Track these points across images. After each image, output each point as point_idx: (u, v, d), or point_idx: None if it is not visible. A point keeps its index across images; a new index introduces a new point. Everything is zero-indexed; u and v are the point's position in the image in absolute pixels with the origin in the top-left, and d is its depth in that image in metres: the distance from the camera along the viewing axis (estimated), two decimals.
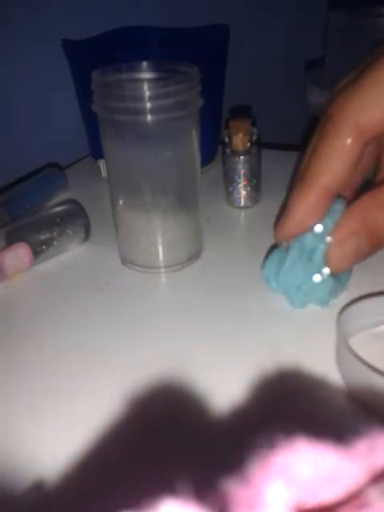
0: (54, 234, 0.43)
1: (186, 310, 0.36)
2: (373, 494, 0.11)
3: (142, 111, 0.34)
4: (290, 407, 0.28)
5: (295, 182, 0.34)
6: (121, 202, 0.40)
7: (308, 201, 0.32)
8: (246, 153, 0.48)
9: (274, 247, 0.37)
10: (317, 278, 0.33)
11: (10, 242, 0.41)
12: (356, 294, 0.35)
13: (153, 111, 0.34)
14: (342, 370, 0.29)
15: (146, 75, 0.38)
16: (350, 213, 0.32)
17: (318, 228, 0.33)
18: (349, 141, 0.31)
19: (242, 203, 0.50)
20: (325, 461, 0.11)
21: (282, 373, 0.30)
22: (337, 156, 0.32)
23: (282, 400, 0.29)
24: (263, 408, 0.28)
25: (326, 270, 0.33)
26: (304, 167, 0.33)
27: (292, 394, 0.29)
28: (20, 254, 0.40)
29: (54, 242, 0.43)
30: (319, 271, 0.33)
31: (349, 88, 0.31)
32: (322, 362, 0.30)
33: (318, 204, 0.32)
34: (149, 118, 0.35)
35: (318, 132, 0.33)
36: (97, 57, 0.50)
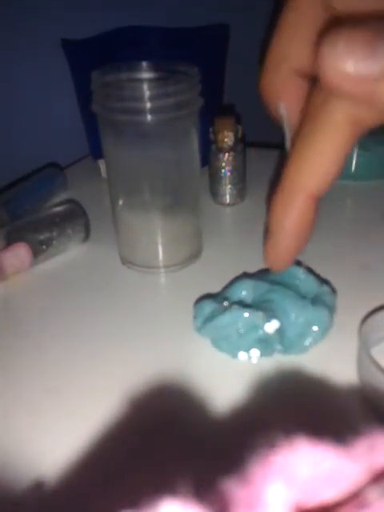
0: (54, 233, 0.43)
1: (186, 309, 0.36)
2: (373, 494, 0.11)
3: (142, 111, 0.34)
4: (296, 411, 0.28)
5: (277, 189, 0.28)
6: (121, 202, 0.40)
7: (295, 211, 0.27)
8: (232, 150, 0.48)
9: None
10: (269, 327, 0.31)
11: (10, 241, 0.41)
12: (379, 303, 0.34)
13: (153, 111, 0.34)
14: (362, 379, 0.29)
15: (146, 75, 0.38)
16: None
17: (271, 327, 0.31)
18: (342, 135, 0.24)
19: (228, 200, 0.50)
20: (325, 461, 0.11)
21: (283, 372, 0.30)
22: (326, 155, 0.25)
23: (284, 402, 0.29)
24: (264, 408, 0.28)
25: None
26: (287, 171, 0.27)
27: (299, 399, 0.29)
28: (20, 253, 0.40)
29: (54, 241, 0.43)
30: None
31: None
32: (337, 368, 0.30)
33: (308, 214, 0.27)
34: (149, 118, 0.35)
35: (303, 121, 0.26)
36: (97, 57, 0.50)
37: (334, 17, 0.25)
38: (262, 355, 0.31)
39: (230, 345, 0.31)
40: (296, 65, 0.27)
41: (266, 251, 0.29)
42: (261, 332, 0.31)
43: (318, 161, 0.25)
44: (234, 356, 0.31)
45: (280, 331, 0.31)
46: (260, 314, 0.31)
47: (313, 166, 0.26)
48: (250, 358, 0.31)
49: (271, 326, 0.30)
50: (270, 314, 0.31)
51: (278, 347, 0.31)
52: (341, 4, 0.24)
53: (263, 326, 0.30)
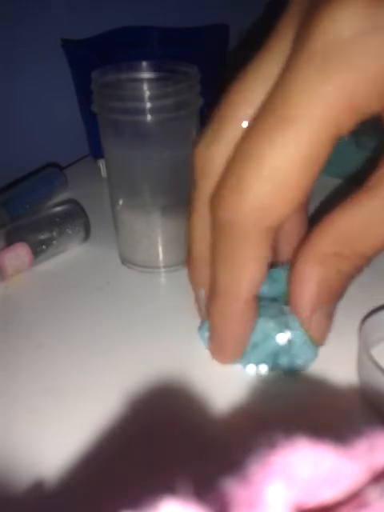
0: (54, 233, 0.43)
1: (186, 310, 0.36)
2: (373, 494, 0.11)
3: (142, 111, 0.34)
4: (295, 411, 0.28)
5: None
6: (120, 202, 0.40)
7: (233, 318, 0.27)
8: None
9: None
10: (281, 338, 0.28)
11: (10, 241, 0.41)
12: (379, 303, 0.34)
13: (153, 111, 0.34)
14: (362, 379, 0.29)
15: (146, 75, 0.38)
16: (321, 232, 0.25)
17: (282, 338, 0.28)
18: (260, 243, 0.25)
19: None
20: (325, 461, 0.11)
21: (282, 372, 0.30)
22: (249, 266, 0.25)
23: (284, 402, 0.29)
24: (263, 408, 0.28)
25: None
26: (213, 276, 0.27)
27: (298, 399, 0.29)
28: (20, 254, 0.40)
29: (54, 241, 0.43)
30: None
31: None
32: (337, 368, 0.30)
33: (245, 317, 0.27)
34: (149, 118, 0.35)
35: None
36: (97, 57, 0.50)
37: None
38: (271, 370, 0.30)
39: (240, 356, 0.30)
40: None
41: (211, 352, 0.30)
42: (273, 343, 0.28)
43: (244, 271, 0.25)
44: (244, 367, 0.30)
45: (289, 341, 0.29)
46: (271, 324, 0.28)
47: (240, 275, 0.26)
48: (258, 372, 0.30)
49: (283, 337, 0.28)
50: (282, 322, 0.28)
51: (285, 359, 0.29)
52: None
53: (275, 336, 0.28)
